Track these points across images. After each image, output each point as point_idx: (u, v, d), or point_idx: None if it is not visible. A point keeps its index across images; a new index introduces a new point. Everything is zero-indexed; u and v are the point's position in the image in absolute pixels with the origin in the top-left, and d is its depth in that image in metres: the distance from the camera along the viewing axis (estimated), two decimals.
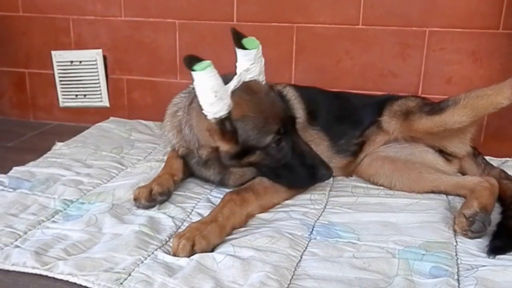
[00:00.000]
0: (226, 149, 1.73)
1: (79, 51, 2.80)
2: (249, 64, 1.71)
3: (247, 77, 1.72)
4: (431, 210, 1.73)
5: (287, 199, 1.81)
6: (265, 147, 1.70)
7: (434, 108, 1.91)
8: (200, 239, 1.45)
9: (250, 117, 1.68)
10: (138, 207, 1.74)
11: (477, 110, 1.81)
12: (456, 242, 1.54)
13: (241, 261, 1.39)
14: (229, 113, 1.65)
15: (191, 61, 1.60)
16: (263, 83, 1.78)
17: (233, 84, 1.66)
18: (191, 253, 1.43)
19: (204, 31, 2.63)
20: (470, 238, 1.55)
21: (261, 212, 1.71)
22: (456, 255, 1.47)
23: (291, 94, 2.07)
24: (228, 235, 1.56)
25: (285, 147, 1.73)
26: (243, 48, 1.69)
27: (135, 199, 1.75)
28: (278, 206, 1.78)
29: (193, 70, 1.60)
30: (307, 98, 2.09)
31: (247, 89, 1.70)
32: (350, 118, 2.09)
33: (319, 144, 2.02)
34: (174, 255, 1.44)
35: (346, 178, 2.06)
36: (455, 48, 2.36)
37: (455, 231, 1.59)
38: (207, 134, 1.73)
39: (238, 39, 1.69)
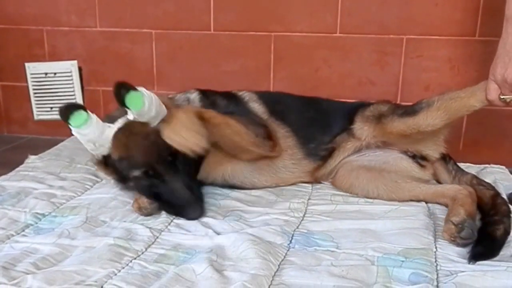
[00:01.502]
0: (105, 176, 1.84)
1: (54, 62, 2.75)
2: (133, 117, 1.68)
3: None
4: (411, 216, 1.71)
5: (245, 139, 1.80)
6: (135, 178, 1.74)
7: (407, 110, 1.89)
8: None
9: (124, 159, 1.71)
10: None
11: (451, 112, 1.80)
12: (436, 248, 1.52)
13: (220, 271, 1.36)
14: (110, 152, 1.70)
15: (66, 113, 1.61)
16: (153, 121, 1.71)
17: (117, 125, 1.68)
18: None
19: (181, 41, 2.61)
20: (459, 245, 1.53)
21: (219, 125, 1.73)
22: (436, 261, 1.45)
23: (246, 95, 2.09)
24: None
25: (154, 181, 1.72)
26: (126, 107, 1.64)
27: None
28: (258, 214, 1.74)
29: (70, 125, 1.63)
30: (266, 98, 2.08)
31: (127, 131, 1.69)
32: (320, 122, 2.07)
33: (287, 137, 2.00)
34: None
35: (325, 186, 2.04)
36: (432, 56, 2.37)
37: (435, 238, 1.57)
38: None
39: (121, 100, 1.62)
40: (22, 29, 2.74)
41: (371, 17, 2.40)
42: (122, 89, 1.60)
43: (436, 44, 2.36)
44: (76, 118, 1.61)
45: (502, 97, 1.68)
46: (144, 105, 1.62)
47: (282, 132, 2.01)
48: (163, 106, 1.71)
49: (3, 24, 2.75)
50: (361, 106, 2.08)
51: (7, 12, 2.74)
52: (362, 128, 1.98)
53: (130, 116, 1.67)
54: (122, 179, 1.79)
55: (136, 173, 1.72)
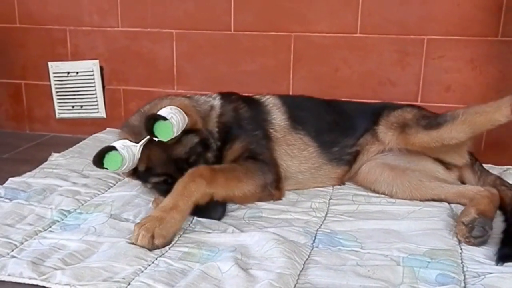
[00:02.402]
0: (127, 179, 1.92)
1: (76, 62, 2.78)
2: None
3: None
4: (434, 217, 1.71)
5: (248, 195, 1.78)
6: (155, 183, 1.79)
7: (431, 122, 1.89)
8: (159, 232, 1.50)
9: (148, 169, 1.75)
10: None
11: (475, 126, 1.80)
12: (461, 249, 1.52)
13: (245, 269, 1.36)
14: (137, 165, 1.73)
15: (100, 161, 1.64)
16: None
17: (142, 143, 1.69)
18: (152, 245, 1.48)
19: (201, 40, 2.62)
20: (474, 244, 1.53)
21: (223, 199, 1.71)
22: (462, 262, 1.45)
23: (269, 101, 2.09)
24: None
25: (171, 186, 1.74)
26: (155, 136, 1.66)
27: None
28: (279, 212, 1.76)
29: (106, 168, 1.66)
30: (290, 104, 2.08)
31: (149, 146, 1.70)
32: (343, 125, 2.07)
33: (303, 149, 2.00)
34: (134, 243, 1.50)
35: (346, 186, 2.05)
36: (454, 56, 2.35)
37: (459, 240, 1.56)
38: None
39: (151, 129, 1.65)
40: (46, 28, 2.77)
41: (392, 18, 2.39)
42: (151, 120, 1.64)
43: (458, 45, 2.34)
44: (112, 163, 1.64)
45: None
46: (173, 134, 1.66)
47: (302, 142, 2.02)
48: (186, 117, 1.73)
49: (27, 24, 2.79)
50: (385, 107, 2.07)
51: (31, 12, 2.77)
52: (386, 133, 1.99)
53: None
54: (144, 183, 1.84)
55: (156, 180, 1.76)
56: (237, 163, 1.84)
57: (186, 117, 1.73)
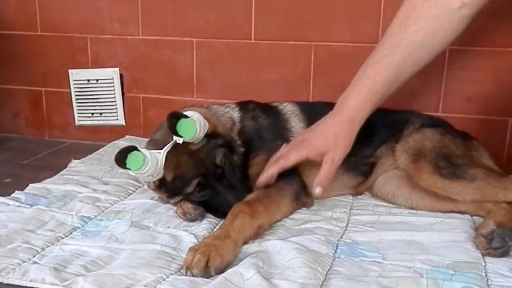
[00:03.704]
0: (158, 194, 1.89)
1: (96, 69, 2.80)
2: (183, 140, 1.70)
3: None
4: (456, 229, 1.68)
5: (287, 214, 1.78)
6: (189, 194, 1.75)
7: (449, 169, 1.80)
8: (215, 256, 1.40)
9: (177, 178, 1.73)
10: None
11: (485, 196, 1.76)
12: (485, 262, 1.48)
13: (268, 279, 1.35)
14: (164, 175, 1.72)
15: (122, 159, 1.63)
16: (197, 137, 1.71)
17: (166, 149, 1.69)
18: (205, 270, 1.37)
19: (222, 49, 2.62)
20: (496, 255, 1.51)
21: (268, 227, 1.68)
22: (486, 275, 1.41)
23: (287, 109, 2.08)
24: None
25: (207, 193, 1.75)
26: (179, 135, 1.67)
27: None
28: (301, 222, 1.75)
29: (128, 169, 1.64)
30: (308, 111, 2.07)
31: (175, 152, 1.71)
32: (361, 133, 2.02)
33: None
34: (187, 269, 1.39)
35: (366, 197, 2.03)
36: (476, 67, 2.32)
37: (482, 253, 1.54)
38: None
39: (173, 127, 1.65)
40: (67, 36, 2.80)
41: None
42: (173, 119, 1.64)
43: (480, 55, 2.31)
44: (134, 162, 1.62)
45: None
46: (196, 131, 1.66)
47: None
48: (206, 121, 1.73)
49: (49, 31, 2.81)
50: (408, 120, 2.04)
51: (53, 20, 2.80)
52: (401, 155, 1.95)
53: (180, 140, 1.68)
54: (172, 196, 1.81)
55: (190, 189, 1.74)
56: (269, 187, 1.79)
57: (206, 121, 1.73)
